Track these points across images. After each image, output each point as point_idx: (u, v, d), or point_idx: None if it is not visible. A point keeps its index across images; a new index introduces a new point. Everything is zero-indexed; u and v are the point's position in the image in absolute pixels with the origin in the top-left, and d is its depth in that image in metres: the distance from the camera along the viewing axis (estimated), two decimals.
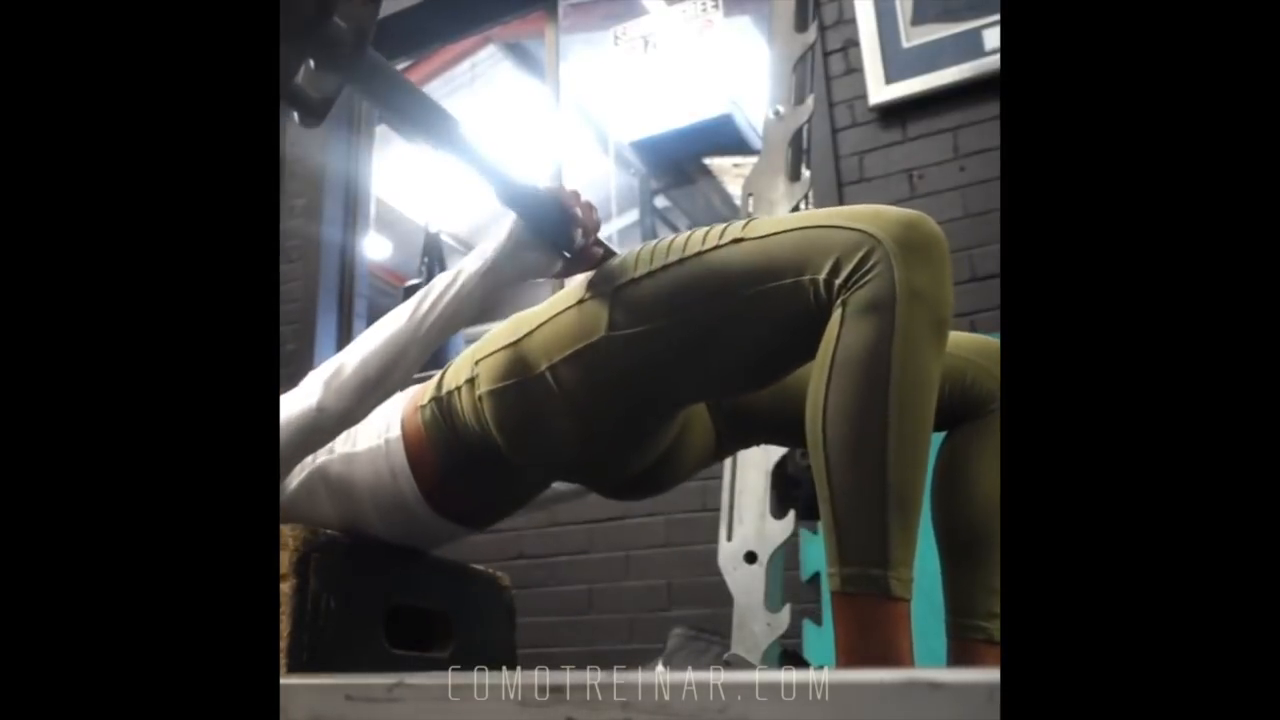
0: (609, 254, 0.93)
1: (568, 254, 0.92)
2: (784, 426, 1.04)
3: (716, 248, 0.84)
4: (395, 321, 0.88)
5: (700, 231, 0.87)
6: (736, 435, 1.09)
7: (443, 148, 0.80)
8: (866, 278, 0.75)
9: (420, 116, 0.75)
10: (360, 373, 0.87)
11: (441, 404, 0.98)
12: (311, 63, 0.65)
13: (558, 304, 0.92)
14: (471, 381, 0.95)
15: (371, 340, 0.88)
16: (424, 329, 0.87)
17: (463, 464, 0.98)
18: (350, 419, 0.90)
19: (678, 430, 0.99)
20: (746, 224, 0.85)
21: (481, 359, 0.95)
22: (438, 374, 1.02)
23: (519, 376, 0.91)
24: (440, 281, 0.88)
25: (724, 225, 0.86)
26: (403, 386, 0.93)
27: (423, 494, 0.99)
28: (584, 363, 0.87)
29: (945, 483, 0.95)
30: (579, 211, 0.88)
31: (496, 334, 0.96)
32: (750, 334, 0.83)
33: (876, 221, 0.77)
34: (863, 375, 0.74)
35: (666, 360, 0.86)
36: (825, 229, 0.80)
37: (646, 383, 0.87)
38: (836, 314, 0.76)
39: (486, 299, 0.89)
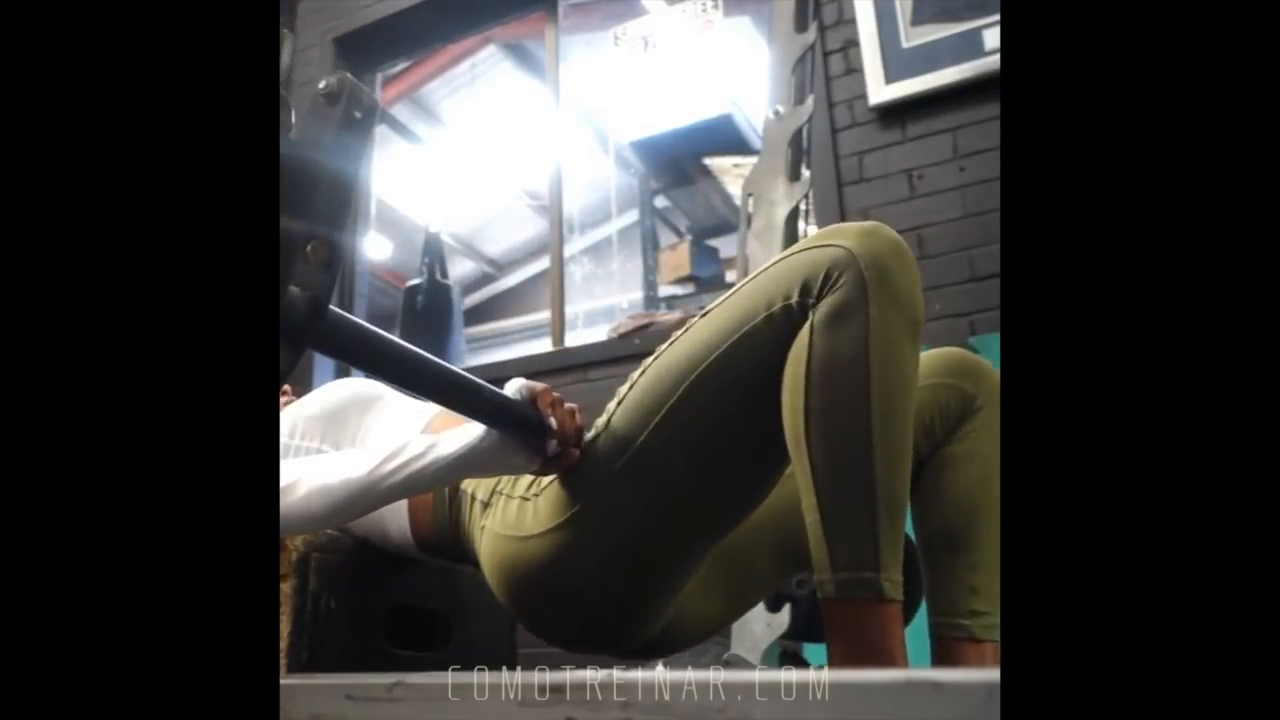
0: None
1: (545, 460, 0.85)
2: (789, 555, 1.01)
3: (685, 330, 0.84)
4: (354, 468, 0.84)
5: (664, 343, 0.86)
6: (745, 584, 1.04)
7: (411, 387, 0.75)
8: (836, 287, 0.75)
9: (392, 366, 0.71)
10: (305, 503, 0.83)
11: (455, 497, 0.96)
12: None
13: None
14: (486, 506, 0.93)
15: (327, 475, 0.84)
16: (380, 488, 0.83)
17: (456, 547, 0.97)
18: (289, 532, 0.88)
19: (673, 609, 0.95)
20: (702, 310, 0.84)
21: (502, 493, 0.92)
22: None
23: (518, 533, 0.88)
24: (411, 448, 0.83)
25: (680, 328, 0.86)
26: (343, 523, 0.91)
27: (416, 543, 0.99)
28: (571, 532, 0.85)
29: (925, 484, 0.95)
30: (554, 421, 0.83)
31: (527, 478, 0.91)
32: (743, 390, 0.80)
33: (837, 236, 0.77)
34: (844, 379, 0.73)
35: (674, 471, 0.83)
36: (785, 260, 0.80)
37: (659, 510, 0.84)
38: (805, 327, 0.75)
39: (450, 482, 0.87)
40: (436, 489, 0.90)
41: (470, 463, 0.82)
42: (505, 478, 0.93)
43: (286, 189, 0.55)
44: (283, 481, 0.85)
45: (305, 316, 0.57)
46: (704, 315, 0.84)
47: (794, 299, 0.77)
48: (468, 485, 0.96)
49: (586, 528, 0.85)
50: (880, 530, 0.72)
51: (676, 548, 0.87)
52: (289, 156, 0.56)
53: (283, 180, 0.54)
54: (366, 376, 1.18)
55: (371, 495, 0.83)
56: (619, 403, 0.86)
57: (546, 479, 0.88)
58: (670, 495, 0.83)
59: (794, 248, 0.80)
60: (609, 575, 0.86)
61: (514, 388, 0.82)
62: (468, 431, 0.82)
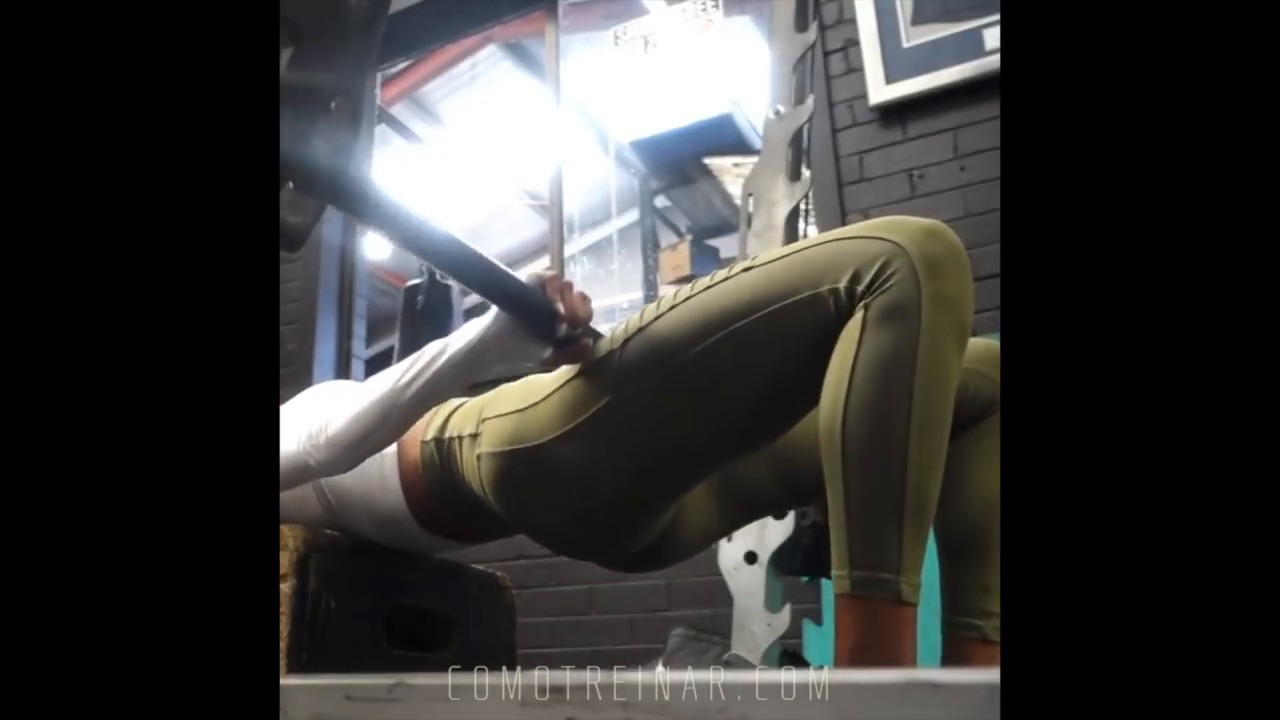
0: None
1: (555, 347, 0.88)
2: (786, 488, 1.02)
3: (726, 279, 0.83)
4: (379, 386, 0.87)
5: (708, 276, 0.85)
6: (738, 509, 1.06)
7: (429, 258, 0.76)
8: (889, 284, 0.74)
9: (403, 229, 0.71)
10: (346, 431, 0.86)
11: (442, 447, 0.97)
12: (290, 185, 0.62)
13: (566, 372, 0.90)
14: (474, 437, 0.94)
15: (357, 401, 0.87)
16: (405, 398, 0.85)
17: (456, 502, 0.98)
18: (339, 469, 0.89)
19: (675, 511, 0.96)
20: (755, 257, 0.84)
21: (488, 418, 0.93)
22: (442, 408, 1.00)
23: (520, 444, 0.89)
24: (426, 353, 0.86)
25: (729, 266, 0.85)
26: (387, 445, 0.92)
27: (413, 515, 0.99)
28: (588, 434, 0.86)
29: (947, 482, 0.95)
30: (562, 306, 0.84)
31: (507, 394, 0.94)
32: (767, 359, 0.80)
33: (897, 230, 0.76)
34: (887, 379, 0.73)
35: (675, 412, 0.83)
36: (840, 241, 0.79)
37: (652, 445, 0.85)
38: (858, 317, 0.75)
39: (469, 378, 0.87)
40: (461, 385, 0.90)
41: (484, 350, 0.84)
42: (488, 403, 0.95)
43: (311, 43, 0.55)
44: (312, 427, 0.88)
45: (330, 169, 0.58)
46: (748, 270, 0.82)
47: (842, 285, 0.76)
48: (451, 429, 0.97)
49: (581, 443, 0.86)
50: (905, 533, 0.72)
51: (671, 474, 0.89)
52: (317, 8, 0.57)
53: (309, 36, 0.55)
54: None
55: (399, 407, 0.85)
56: (640, 329, 0.85)
57: (540, 389, 0.90)
58: (669, 434, 0.85)
59: (850, 230, 0.80)
60: (621, 477, 0.87)
61: (523, 277, 0.84)
62: (477, 322, 0.84)
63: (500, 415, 0.92)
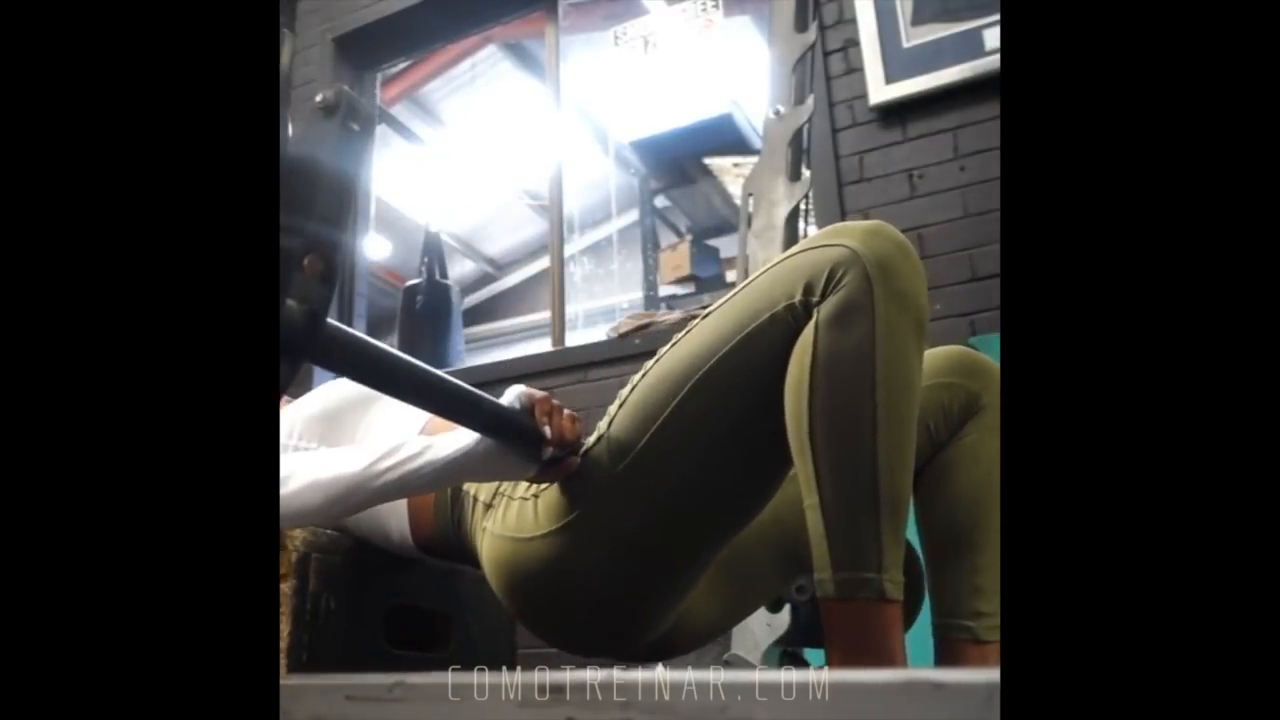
0: None
1: (541, 467, 0.85)
2: (789, 561, 0.99)
3: (686, 332, 0.84)
4: (350, 464, 0.83)
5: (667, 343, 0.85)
6: (747, 590, 1.04)
7: (408, 398, 0.74)
8: (840, 286, 0.74)
9: (389, 378, 0.71)
10: (300, 497, 0.83)
11: (457, 498, 0.96)
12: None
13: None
14: (488, 508, 0.92)
15: (322, 470, 0.83)
16: (374, 485, 0.82)
17: (459, 551, 0.97)
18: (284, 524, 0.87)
19: (686, 603, 0.94)
20: (707, 307, 0.84)
21: (505, 494, 0.91)
22: None
23: (526, 535, 0.87)
24: (407, 447, 0.82)
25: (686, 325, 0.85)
26: (334, 522, 0.90)
27: (416, 544, 0.99)
28: (590, 522, 0.84)
29: (930, 483, 0.95)
30: (549, 430, 0.81)
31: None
32: (744, 389, 0.79)
33: (842, 235, 0.77)
34: (848, 379, 0.73)
35: (675, 468, 0.82)
36: (787, 260, 0.79)
37: (658, 515, 0.83)
38: (811, 323, 0.75)
39: (444, 485, 0.86)
40: (431, 491, 0.90)
41: (464, 467, 0.81)
42: (506, 492, 0.92)
43: (283, 202, 0.55)
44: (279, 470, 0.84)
45: (303, 330, 0.57)
46: (705, 317, 0.83)
47: (797, 299, 0.76)
48: (470, 487, 0.95)
49: (587, 531, 0.84)
50: (882, 530, 0.72)
51: (678, 553, 0.86)
52: (286, 169, 0.56)
53: (280, 193, 0.54)
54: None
55: (364, 492, 0.82)
56: (620, 406, 0.85)
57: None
58: (672, 500, 0.83)
59: (795, 248, 0.80)
60: (610, 579, 0.86)
61: (512, 395, 0.81)
62: (464, 435, 0.81)
63: (513, 498, 0.90)
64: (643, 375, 0.85)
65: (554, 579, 0.86)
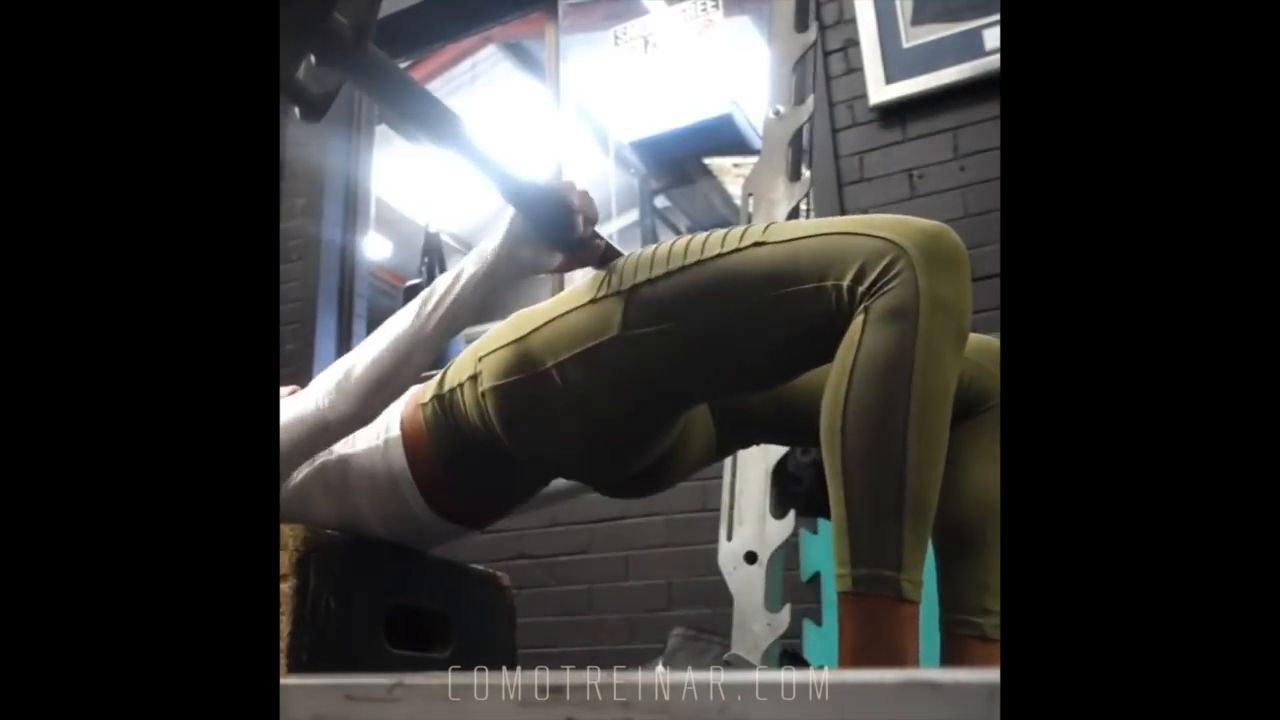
0: (610, 250, 0.93)
1: (568, 248, 0.92)
2: (785, 426, 1.05)
3: (737, 250, 0.84)
4: (400, 323, 0.89)
5: (718, 234, 0.86)
6: (737, 435, 1.10)
7: (443, 144, 0.81)
8: (890, 285, 0.75)
9: (421, 113, 0.76)
10: (369, 374, 0.88)
11: (443, 401, 0.98)
12: (312, 58, 0.65)
13: (565, 302, 0.92)
14: (474, 378, 0.95)
15: (378, 343, 0.89)
16: (428, 330, 0.88)
17: (463, 460, 0.99)
18: (359, 420, 0.91)
19: (680, 430, 0.99)
20: (766, 228, 0.85)
21: (484, 355, 0.95)
22: (438, 374, 1.03)
23: (524, 372, 0.91)
24: (442, 282, 0.89)
25: (742, 229, 0.86)
26: (409, 386, 0.94)
27: (422, 494, 0.99)
28: (593, 361, 0.88)
29: (942, 479, 0.95)
30: (577, 202, 0.88)
31: (499, 331, 0.96)
32: (767, 337, 0.83)
33: (901, 230, 0.78)
34: (886, 380, 0.74)
35: (679, 361, 0.86)
36: (849, 236, 0.80)
37: (656, 383, 0.88)
38: (859, 319, 0.77)
39: (488, 298, 0.90)
40: (482, 311, 0.93)
41: (499, 265, 0.87)
42: (481, 345, 0.97)
43: None
44: (332, 381, 0.89)
45: (351, 42, 0.60)
46: (763, 244, 0.83)
47: (845, 281, 0.78)
48: (449, 381, 0.98)
49: (611, 360, 0.88)
50: (905, 531, 0.73)
51: (691, 395, 0.92)
52: None
53: None
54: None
55: (422, 341, 0.88)
56: (668, 273, 0.86)
57: (536, 318, 0.92)
58: (691, 369, 0.87)
59: (860, 224, 0.81)
60: (625, 404, 0.89)
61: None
62: (487, 242, 0.87)
63: (497, 349, 0.94)
64: (681, 267, 0.86)
65: (552, 408, 0.90)
